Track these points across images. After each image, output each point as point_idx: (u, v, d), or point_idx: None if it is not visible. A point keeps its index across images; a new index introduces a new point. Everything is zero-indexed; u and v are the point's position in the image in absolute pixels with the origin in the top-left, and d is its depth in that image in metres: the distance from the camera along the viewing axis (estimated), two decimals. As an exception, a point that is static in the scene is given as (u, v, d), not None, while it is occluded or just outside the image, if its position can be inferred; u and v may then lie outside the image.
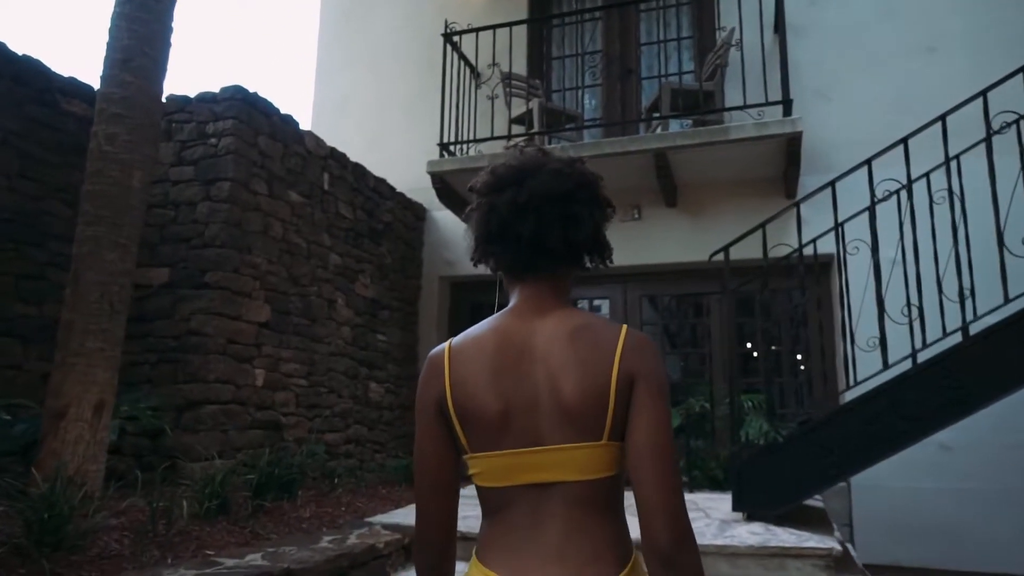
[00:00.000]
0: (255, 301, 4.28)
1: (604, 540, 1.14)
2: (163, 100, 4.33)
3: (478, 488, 1.20)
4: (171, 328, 4.02)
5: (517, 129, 6.00)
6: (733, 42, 5.27)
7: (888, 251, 4.14)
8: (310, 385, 4.73)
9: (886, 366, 3.98)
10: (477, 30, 5.87)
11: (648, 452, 1.11)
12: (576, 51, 6.16)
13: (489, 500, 1.19)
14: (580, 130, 5.99)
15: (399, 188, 6.19)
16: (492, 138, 5.69)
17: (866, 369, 3.91)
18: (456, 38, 6.03)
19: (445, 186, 5.80)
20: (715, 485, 4.64)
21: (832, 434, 3.22)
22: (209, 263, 4.05)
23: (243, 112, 4.23)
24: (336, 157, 5.19)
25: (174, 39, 3.59)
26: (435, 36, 6.16)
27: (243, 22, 21.20)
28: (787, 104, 4.99)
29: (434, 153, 5.89)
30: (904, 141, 3.81)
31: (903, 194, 3.87)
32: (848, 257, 4.14)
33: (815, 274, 5.35)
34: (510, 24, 5.82)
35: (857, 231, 4.15)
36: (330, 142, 5.29)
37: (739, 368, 4.35)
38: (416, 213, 6.35)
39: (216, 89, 4.30)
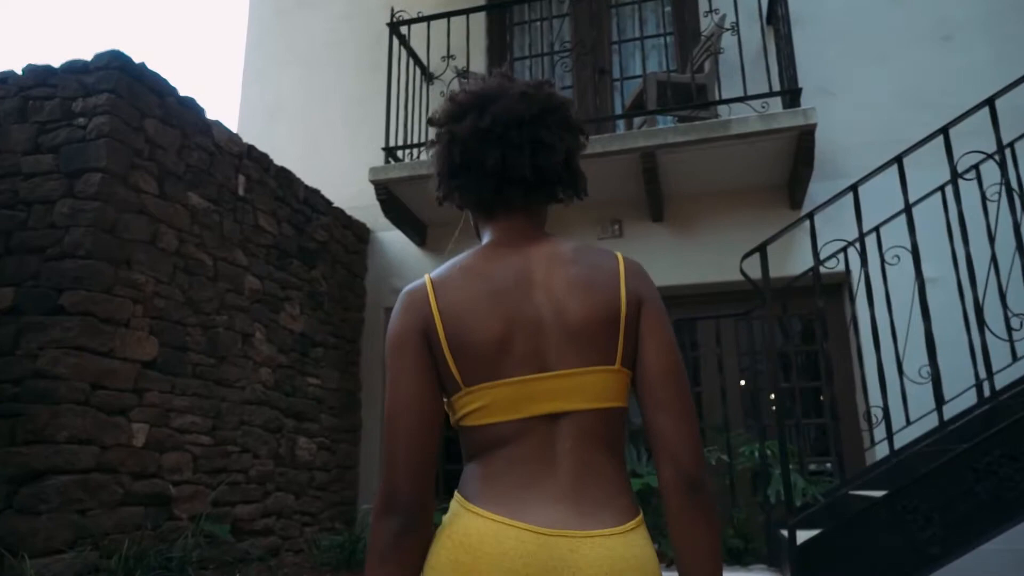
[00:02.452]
0: (136, 332, 3.22)
1: (616, 483, 1.06)
2: (16, 70, 3.35)
3: (470, 430, 1.08)
4: (11, 369, 2.93)
5: (476, 133, 5.13)
6: (727, 26, 4.54)
7: (932, 265, 3.37)
8: (215, 443, 3.65)
9: (940, 403, 3.20)
10: (428, 19, 5.04)
11: (663, 375, 1.07)
12: (541, 50, 5.37)
13: (486, 439, 1.06)
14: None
15: (343, 206, 5.23)
16: (447, 140, 4.79)
17: (896, 412, 3.11)
18: (404, 29, 5.18)
19: (391, 198, 4.87)
20: (733, 558, 3.69)
21: (927, 498, 2.32)
22: (68, 280, 3.00)
23: (123, 86, 3.25)
24: (255, 157, 4.21)
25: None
26: (382, 31, 5.30)
27: (158, 16, 19.61)
28: (794, 94, 4.24)
29: (379, 162, 4.98)
30: (945, 130, 3.00)
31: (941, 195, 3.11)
32: (887, 269, 3.34)
33: (834, 294, 4.57)
34: (467, 11, 4.99)
35: (890, 240, 3.38)
36: (263, 151, 4.36)
37: (759, 407, 3.47)
38: (358, 233, 5.38)
39: (89, 57, 3.31)
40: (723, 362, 4.01)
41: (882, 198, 3.56)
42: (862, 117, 4.78)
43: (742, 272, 3.21)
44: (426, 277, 1.12)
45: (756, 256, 3.27)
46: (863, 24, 4.97)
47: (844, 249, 3.14)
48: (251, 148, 4.18)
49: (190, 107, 3.68)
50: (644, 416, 1.08)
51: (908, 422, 3.19)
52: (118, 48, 3.25)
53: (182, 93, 3.63)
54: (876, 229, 3.42)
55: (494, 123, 1.13)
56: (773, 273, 4.58)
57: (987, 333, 2.93)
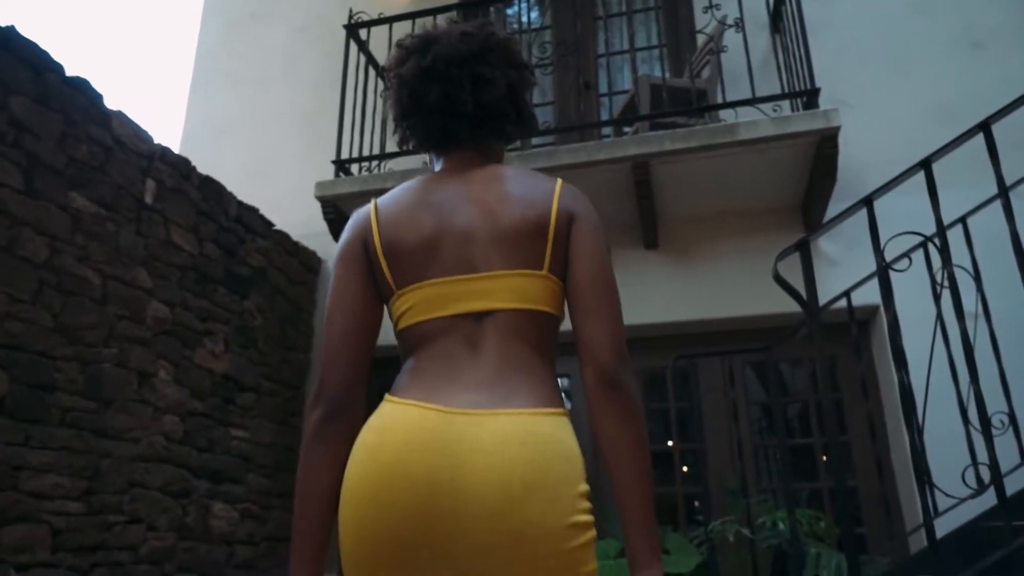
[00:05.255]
0: (-26, 364, 2.45)
1: (538, 377, 1.08)
2: None
3: (404, 332, 1.14)
4: None
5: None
6: (731, 23, 3.96)
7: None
8: (88, 512, 2.83)
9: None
10: (391, 20, 4.44)
11: (589, 282, 1.11)
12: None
13: (415, 338, 1.13)
14: (526, 139, 4.50)
15: (292, 233, 4.53)
16: (406, 152, 4.12)
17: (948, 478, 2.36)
18: (363, 32, 4.59)
19: (340, 217, 4.16)
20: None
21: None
22: None
23: (-20, 50, 2.56)
24: (171, 161, 3.51)
25: None
26: (343, 44, 4.70)
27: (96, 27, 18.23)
28: (811, 95, 3.63)
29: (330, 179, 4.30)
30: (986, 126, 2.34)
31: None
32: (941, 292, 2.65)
33: (862, 331, 3.88)
34: (434, 11, 4.39)
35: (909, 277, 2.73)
36: (205, 173, 3.74)
37: (787, 468, 2.70)
38: (305, 262, 4.66)
39: None
40: (738, 409, 3.25)
41: (910, 217, 2.94)
42: (883, 131, 4.18)
43: (777, 279, 2.48)
44: (372, 200, 1.22)
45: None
46: (881, 32, 4.42)
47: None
48: (166, 150, 3.48)
49: (81, 90, 2.99)
50: (573, 325, 1.10)
51: (982, 485, 2.45)
52: (-25, 3, 2.57)
53: (71, 74, 2.95)
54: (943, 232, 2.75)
55: (435, 62, 1.20)
56: (778, 309, 3.94)
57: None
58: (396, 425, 1.02)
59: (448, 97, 1.19)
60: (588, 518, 0.99)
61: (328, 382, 1.11)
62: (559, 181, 1.19)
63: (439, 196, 1.16)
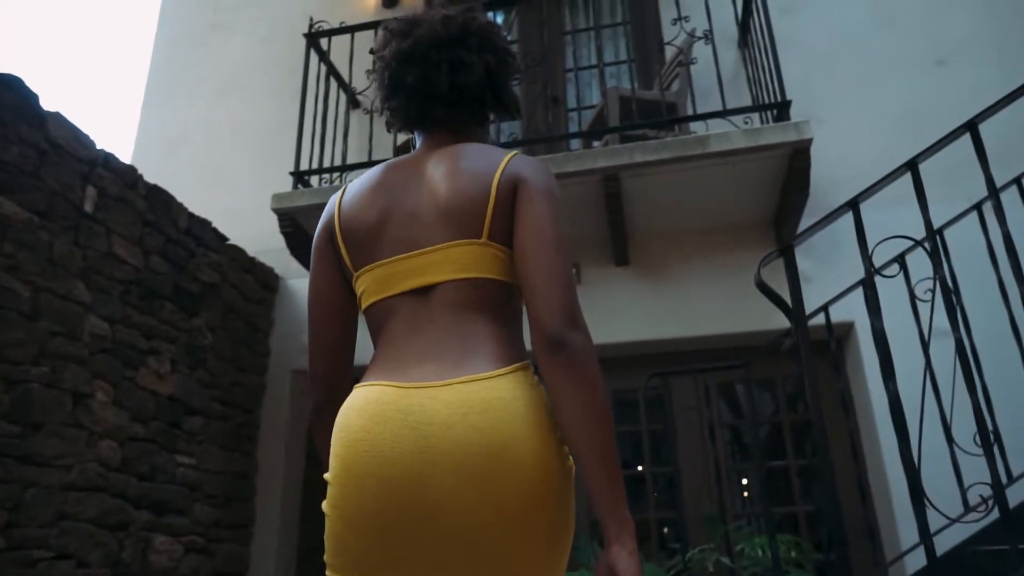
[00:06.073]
0: None
1: (484, 336, 1.08)
2: None
3: (365, 314, 1.18)
4: None
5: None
6: (700, 35, 3.90)
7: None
8: (9, 547, 2.56)
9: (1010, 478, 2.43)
10: (352, 29, 4.30)
11: (532, 243, 1.08)
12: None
13: (373, 320, 1.16)
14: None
15: (249, 249, 4.31)
16: (369, 163, 3.97)
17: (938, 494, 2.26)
18: (324, 41, 4.44)
19: (299, 231, 3.97)
20: None
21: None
22: None
23: None
24: (115, 168, 3.30)
25: None
26: (303, 54, 4.54)
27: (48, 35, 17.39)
28: (782, 107, 3.56)
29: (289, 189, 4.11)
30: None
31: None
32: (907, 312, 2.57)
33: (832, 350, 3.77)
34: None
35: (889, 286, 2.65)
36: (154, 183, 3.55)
37: (766, 492, 2.55)
38: (263, 279, 4.44)
39: None
40: (714, 431, 3.11)
41: (884, 231, 2.85)
42: (853, 147, 4.14)
43: (759, 285, 2.36)
44: (347, 182, 1.31)
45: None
46: (848, 47, 4.41)
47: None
48: (110, 156, 3.27)
49: (12, 87, 2.78)
50: (521, 286, 1.09)
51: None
52: None
53: (2, 70, 2.74)
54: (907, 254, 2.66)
55: (416, 45, 1.23)
56: (752, 327, 3.83)
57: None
58: (358, 405, 1.06)
59: (426, 78, 1.22)
60: (566, 466, 1.04)
61: (314, 375, 1.21)
62: (514, 152, 1.20)
63: (396, 177, 1.19)
